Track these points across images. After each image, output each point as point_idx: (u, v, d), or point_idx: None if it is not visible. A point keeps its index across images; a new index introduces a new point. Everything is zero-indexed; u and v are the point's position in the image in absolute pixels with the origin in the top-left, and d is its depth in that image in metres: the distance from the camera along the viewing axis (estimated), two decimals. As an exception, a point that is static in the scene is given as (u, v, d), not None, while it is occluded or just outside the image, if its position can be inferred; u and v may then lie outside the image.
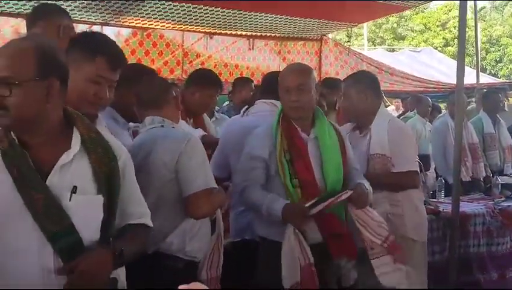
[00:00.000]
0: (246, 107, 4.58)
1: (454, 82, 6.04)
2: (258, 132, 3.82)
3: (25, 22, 8.15)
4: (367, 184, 3.75)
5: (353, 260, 3.71)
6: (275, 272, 3.47)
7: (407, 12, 29.87)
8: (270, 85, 4.23)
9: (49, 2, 6.62)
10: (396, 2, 9.04)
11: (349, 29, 13.28)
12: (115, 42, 2.96)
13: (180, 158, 3.18)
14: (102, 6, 8.18)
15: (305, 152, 3.70)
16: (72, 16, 7.89)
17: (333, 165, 3.69)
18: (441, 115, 10.11)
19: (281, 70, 4.12)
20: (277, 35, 11.10)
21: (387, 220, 4.01)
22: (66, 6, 7.75)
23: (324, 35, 11.76)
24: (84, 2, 7.93)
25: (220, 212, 3.42)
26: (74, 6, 7.92)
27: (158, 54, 9.81)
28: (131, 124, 3.58)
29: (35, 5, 7.78)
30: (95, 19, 8.76)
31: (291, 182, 3.63)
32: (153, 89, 3.41)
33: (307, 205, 3.51)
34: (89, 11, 8.28)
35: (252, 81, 8.24)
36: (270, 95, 4.28)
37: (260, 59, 10.96)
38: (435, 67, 17.77)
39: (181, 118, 4.51)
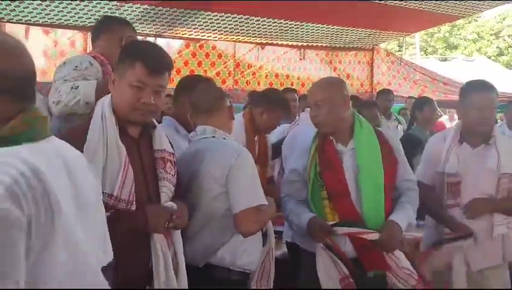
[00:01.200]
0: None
1: (510, 92, 5.94)
2: (299, 146, 3.84)
3: (81, 33, 8.46)
4: (407, 212, 3.58)
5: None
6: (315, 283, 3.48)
7: (460, 22, 29.42)
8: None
9: (110, 15, 6.77)
10: (450, 12, 8.94)
11: (400, 38, 13.15)
12: (157, 47, 2.95)
13: (229, 173, 3.14)
14: (156, 18, 8.31)
15: (338, 164, 3.59)
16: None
17: (369, 176, 3.54)
18: (497, 124, 9.93)
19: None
20: (328, 45, 11.10)
21: (502, 242, 3.92)
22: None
23: (376, 45, 11.70)
24: (139, 14, 8.07)
25: (271, 224, 3.40)
26: (129, 19, 8.06)
27: (210, 64, 9.93)
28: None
29: (92, 17, 8.01)
30: (149, 31, 8.90)
31: (320, 194, 3.62)
32: (206, 96, 3.38)
33: (331, 222, 3.50)
34: (143, 23, 8.43)
35: (295, 91, 8.27)
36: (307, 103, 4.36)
37: (311, 69, 10.97)
38: (489, 77, 17.49)
39: (248, 135, 4.63)
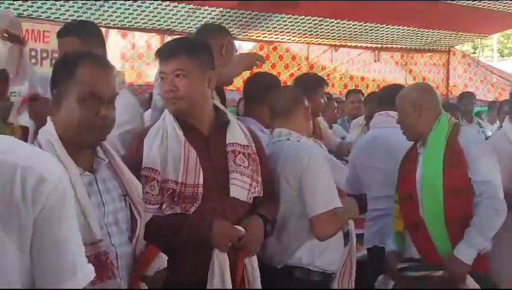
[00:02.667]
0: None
1: None
2: (390, 148, 3.89)
3: (157, 36, 8.59)
4: (473, 241, 3.44)
5: None
6: None
7: (538, 22, 28.58)
8: (387, 97, 4.28)
9: (211, 23, 6.86)
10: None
11: (476, 40, 12.86)
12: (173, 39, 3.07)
13: (302, 177, 3.13)
14: (230, 20, 8.37)
15: (412, 166, 3.61)
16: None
17: (427, 179, 3.51)
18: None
19: (406, 82, 4.11)
20: (403, 47, 10.95)
21: None
22: (191, 21, 8.06)
23: (452, 46, 11.47)
24: (214, 17, 8.15)
25: (353, 224, 3.37)
26: (205, 22, 8.15)
27: (284, 66, 9.93)
28: None
29: (169, 20, 8.14)
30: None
31: (395, 197, 3.70)
32: (282, 100, 3.39)
33: (399, 266, 3.52)
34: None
35: (360, 92, 8.20)
36: (386, 106, 4.28)
37: (386, 71, 10.84)
38: None
39: None
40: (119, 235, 2.30)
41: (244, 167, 2.86)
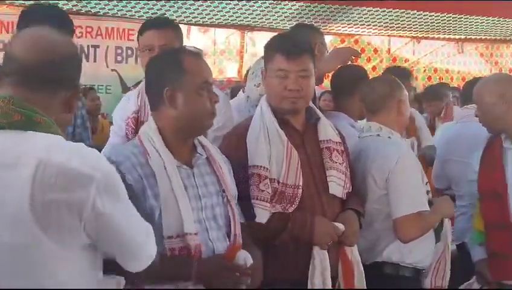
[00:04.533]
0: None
1: None
2: (472, 142, 3.70)
3: (238, 32, 8.65)
4: None
5: None
6: None
7: None
8: (470, 91, 4.11)
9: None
10: None
11: None
12: (293, 34, 3.07)
13: (389, 177, 3.06)
14: (311, 15, 8.35)
15: (498, 162, 3.36)
16: (278, 26, 8.25)
17: None
18: None
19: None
20: (487, 38, 10.66)
21: None
22: (271, 16, 8.09)
23: (540, 36, 11.10)
24: (294, 12, 8.15)
25: (449, 221, 3.29)
26: (285, 16, 8.17)
27: (366, 60, 9.85)
28: None
29: (250, 16, 8.20)
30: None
31: (477, 194, 3.48)
32: (372, 95, 3.30)
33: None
34: (298, 20, 8.48)
35: (447, 86, 8.01)
36: (470, 101, 4.16)
37: (471, 63, 10.59)
38: None
39: None
40: (216, 230, 2.33)
41: (340, 163, 2.88)
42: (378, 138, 3.19)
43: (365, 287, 2.90)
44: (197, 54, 2.39)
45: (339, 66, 3.79)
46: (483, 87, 3.50)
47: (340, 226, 2.78)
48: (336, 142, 2.92)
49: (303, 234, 2.71)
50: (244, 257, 2.33)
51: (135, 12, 7.51)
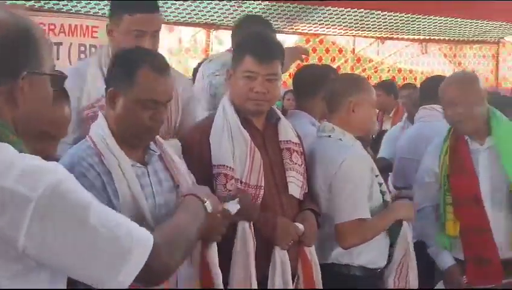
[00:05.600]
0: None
1: None
2: (430, 147, 3.67)
3: (203, 30, 8.63)
4: None
5: None
6: None
7: None
8: (429, 90, 4.17)
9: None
10: None
11: (527, 31, 12.59)
12: (266, 37, 2.96)
13: (332, 181, 3.04)
14: (276, 14, 8.36)
15: (470, 166, 3.38)
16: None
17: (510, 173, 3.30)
18: None
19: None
20: (451, 38, 10.78)
21: None
22: (237, 15, 8.05)
23: (502, 38, 11.25)
24: (259, 11, 8.14)
25: (409, 225, 3.26)
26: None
27: (331, 59, 9.88)
28: None
29: (215, 15, 8.16)
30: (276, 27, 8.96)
31: (445, 199, 3.44)
32: (329, 92, 3.22)
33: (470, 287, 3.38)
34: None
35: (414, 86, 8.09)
36: (429, 100, 4.22)
37: (434, 64, 10.70)
38: None
39: None
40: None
41: (299, 165, 2.91)
42: (329, 139, 3.14)
43: (321, 287, 2.91)
44: (160, 71, 2.27)
45: (301, 65, 3.82)
46: (447, 89, 3.48)
47: (300, 226, 2.80)
48: (295, 143, 2.94)
49: (265, 234, 2.72)
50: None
51: (99, 9, 7.42)
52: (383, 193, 3.18)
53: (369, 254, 3.11)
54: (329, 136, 3.14)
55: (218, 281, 2.40)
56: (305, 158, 3.02)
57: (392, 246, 3.18)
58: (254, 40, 2.89)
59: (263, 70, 2.75)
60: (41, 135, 1.85)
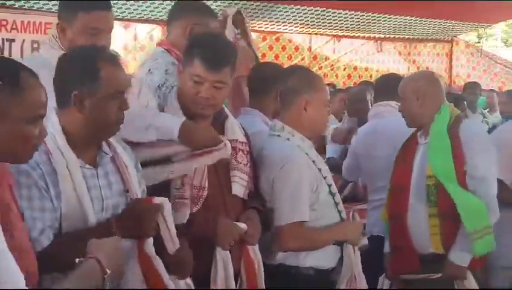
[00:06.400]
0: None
1: None
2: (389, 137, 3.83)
3: (159, 27, 8.56)
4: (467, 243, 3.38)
5: None
6: None
7: (542, 11, 28.43)
8: (383, 88, 4.30)
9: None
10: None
11: (480, 30, 12.82)
12: (219, 41, 2.90)
13: (273, 182, 3.02)
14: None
15: (408, 157, 3.53)
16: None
17: (437, 170, 3.41)
18: None
19: (409, 72, 4.04)
20: (406, 37, 10.91)
21: None
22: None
23: (455, 36, 11.43)
24: (216, 8, 8.10)
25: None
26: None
27: (287, 57, 9.92)
28: None
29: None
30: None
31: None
32: (282, 90, 3.18)
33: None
34: (220, 17, 8.45)
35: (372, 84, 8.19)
36: (384, 97, 4.31)
37: (390, 62, 10.83)
38: None
39: None
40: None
41: (244, 164, 2.89)
42: (278, 138, 3.11)
43: (263, 287, 2.89)
44: (115, 61, 2.28)
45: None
46: (404, 84, 3.64)
47: (242, 225, 2.78)
48: (242, 142, 2.92)
49: (205, 234, 2.70)
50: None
51: (52, 5, 7.31)
52: (333, 195, 3.16)
53: (316, 255, 3.09)
54: (279, 135, 3.11)
55: (161, 269, 2.33)
56: (251, 157, 3.00)
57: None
58: (206, 45, 2.81)
59: (211, 76, 2.71)
60: None
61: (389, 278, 3.63)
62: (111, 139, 2.36)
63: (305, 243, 3.05)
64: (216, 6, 8.06)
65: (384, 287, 3.62)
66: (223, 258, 2.70)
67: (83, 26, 2.74)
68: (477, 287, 3.46)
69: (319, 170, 3.11)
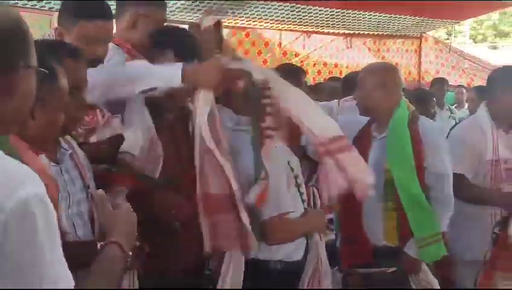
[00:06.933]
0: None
1: None
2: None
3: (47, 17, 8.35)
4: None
5: None
6: None
7: (510, 9, 28.78)
8: (350, 83, 4.36)
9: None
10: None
11: (449, 26, 12.93)
12: (188, 35, 2.92)
13: None
14: (202, 7, 8.31)
15: (364, 152, 3.47)
16: (171, 16, 8.13)
17: (398, 167, 3.48)
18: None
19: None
20: (375, 33, 10.97)
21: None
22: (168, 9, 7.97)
23: (424, 33, 11.52)
24: (185, 3, 8.08)
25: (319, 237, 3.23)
26: (176, 8, 8.08)
27: (257, 53, 9.92)
28: None
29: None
30: (195, 19, 8.89)
31: None
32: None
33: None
34: (189, 12, 8.43)
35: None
36: (349, 92, 4.39)
37: (359, 58, 10.87)
38: (541, 64, 17.08)
39: None
40: (83, 227, 2.27)
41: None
42: (242, 133, 3.10)
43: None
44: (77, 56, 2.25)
45: None
46: (367, 73, 3.66)
47: None
48: None
49: (162, 214, 2.73)
50: None
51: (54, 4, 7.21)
52: (298, 185, 3.18)
53: (287, 248, 3.12)
54: (244, 130, 3.10)
55: None
56: None
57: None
58: (176, 38, 2.87)
59: None
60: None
61: (341, 272, 3.66)
62: (68, 136, 2.34)
63: (291, 234, 3.10)
64: (186, 1, 8.05)
65: (336, 280, 3.65)
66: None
67: (81, 34, 2.72)
68: (434, 279, 3.52)
69: (291, 169, 3.12)
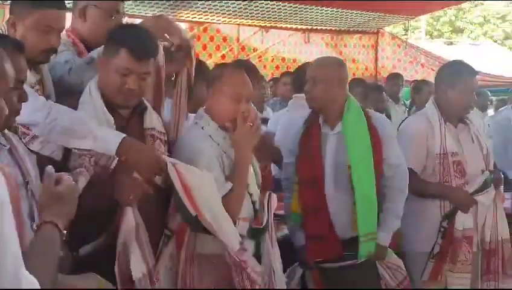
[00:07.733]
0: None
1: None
2: (293, 129, 3.84)
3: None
4: (390, 225, 3.64)
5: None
6: None
7: (466, 5, 29.16)
8: (301, 79, 4.25)
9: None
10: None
11: (406, 22, 13.08)
12: (143, 32, 2.88)
13: None
14: (159, 0, 8.26)
15: (315, 148, 3.58)
16: (128, 10, 8.05)
17: (357, 161, 3.52)
18: (501, 109, 9.89)
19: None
20: (333, 28, 11.03)
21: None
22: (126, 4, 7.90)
23: (381, 28, 11.63)
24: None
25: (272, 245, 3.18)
26: (132, 1, 8.03)
27: (215, 48, 9.90)
28: None
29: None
30: (152, 13, 8.82)
31: (294, 178, 3.68)
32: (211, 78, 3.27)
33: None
34: (146, 6, 8.37)
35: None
36: (301, 88, 4.27)
37: (317, 53, 10.88)
38: (495, 60, 17.36)
39: None
40: (23, 225, 2.15)
41: (161, 152, 2.89)
42: (194, 126, 3.11)
43: None
44: (21, 49, 2.19)
45: None
46: (321, 67, 3.69)
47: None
48: (160, 132, 2.98)
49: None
50: None
51: None
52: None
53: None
54: (196, 122, 3.10)
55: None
56: (169, 148, 3.04)
57: None
58: (132, 36, 2.83)
59: (138, 68, 2.75)
60: None
61: (302, 267, 3.69)
62: (8, 131, 2.26)
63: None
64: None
65: (296, 276, 3.68)
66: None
67: (36, 23, 2.76)
68: (398, 259, 3.70)
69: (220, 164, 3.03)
